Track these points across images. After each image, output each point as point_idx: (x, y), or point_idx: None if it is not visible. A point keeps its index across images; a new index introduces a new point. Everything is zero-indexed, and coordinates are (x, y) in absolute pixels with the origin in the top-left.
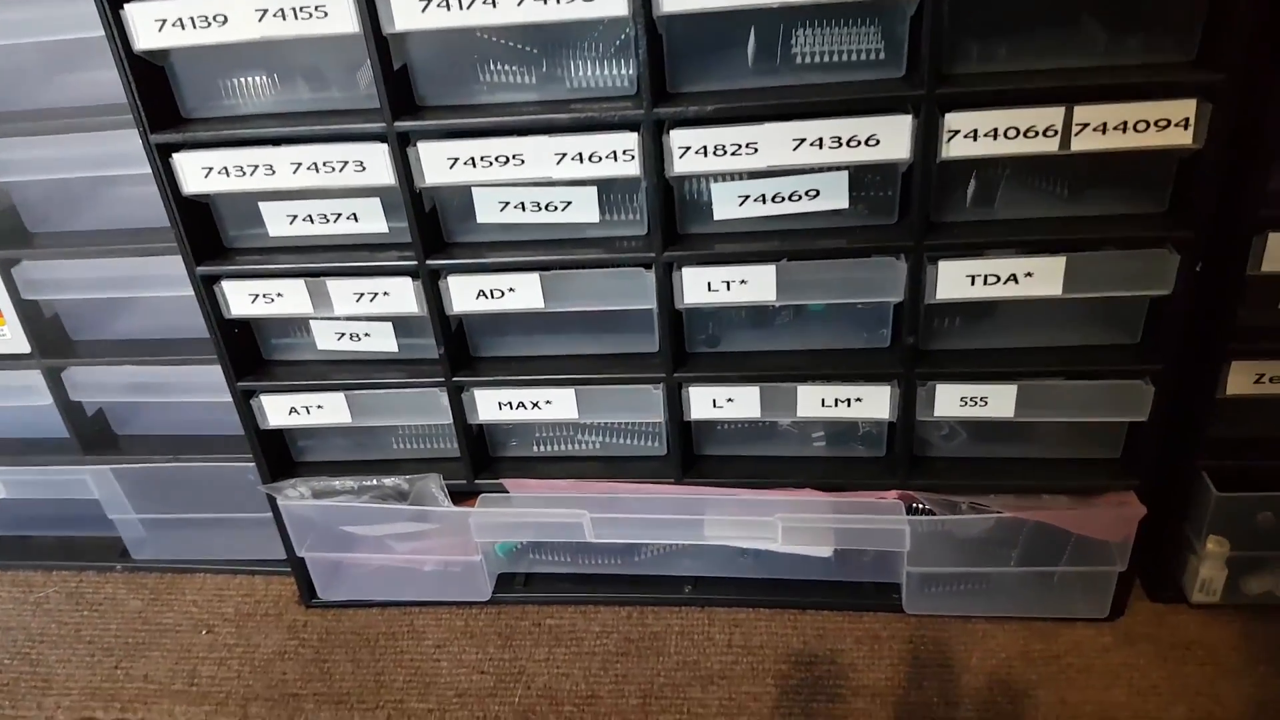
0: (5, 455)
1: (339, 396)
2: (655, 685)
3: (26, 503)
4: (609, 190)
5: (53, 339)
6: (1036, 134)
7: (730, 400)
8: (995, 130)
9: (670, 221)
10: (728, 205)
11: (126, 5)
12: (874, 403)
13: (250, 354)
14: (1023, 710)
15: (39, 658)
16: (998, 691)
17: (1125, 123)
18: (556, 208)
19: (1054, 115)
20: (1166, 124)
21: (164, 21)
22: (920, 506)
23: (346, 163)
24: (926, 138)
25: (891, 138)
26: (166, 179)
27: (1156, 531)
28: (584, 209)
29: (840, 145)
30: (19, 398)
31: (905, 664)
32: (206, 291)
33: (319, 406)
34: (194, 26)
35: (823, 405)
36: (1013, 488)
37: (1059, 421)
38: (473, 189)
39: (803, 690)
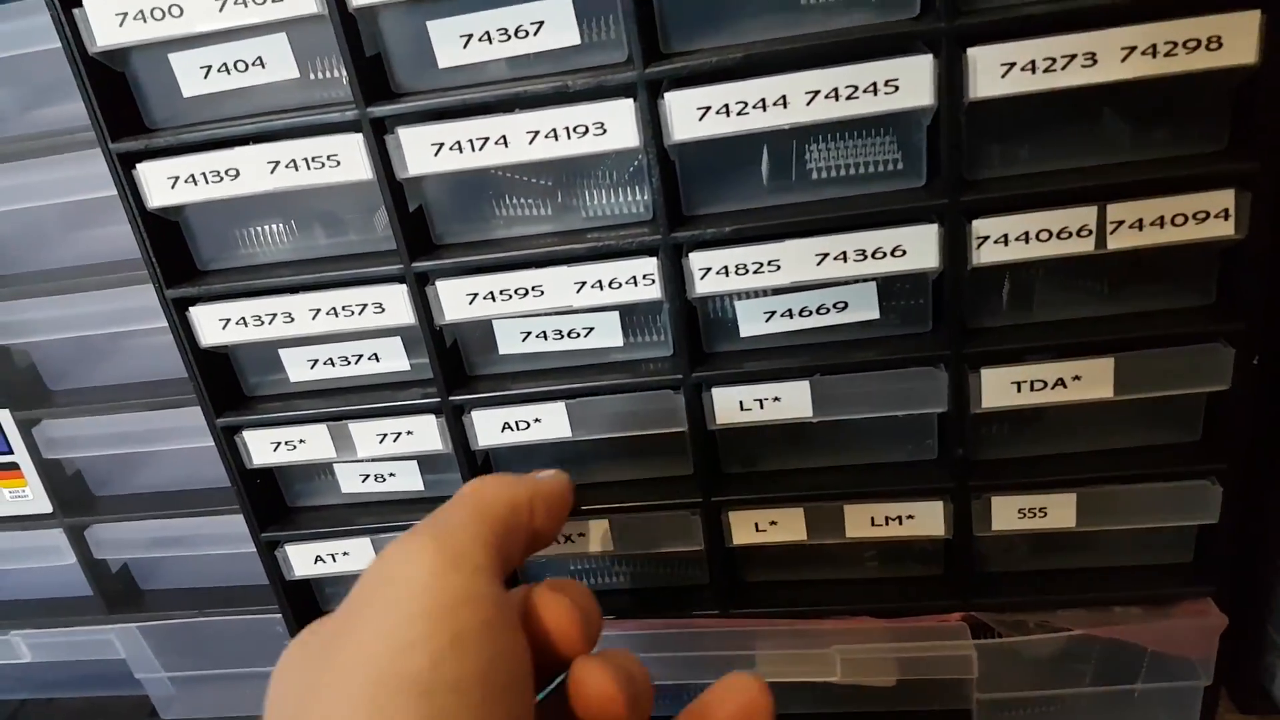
0: (29, 617)
1: (364, 541)
2: None
3: (51, 665)
4: (631, 313)
5: (75, 497)
6: (1070, 234)
7: (774, 523)
8: (1026, 234)
9: (695, 341)
10: (754, 322)
11: (139, 165)
12: (927, 520)
13: (273, 502)
14: None
15: None
16: None
17: (1162, 217)
18: (579, 334)
19: (1086, 215)
20: (1205, 216)
21: (176, 179)
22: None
23: (365, 305)
24: (955, 246)
25: (918, 248)
26: (184, 332)
27: (1239, 638)
28: (607, 334)
29: (865, 258)
30: (42, 558)
31: None
32: (227, 443)
33: (345, 554)
34: (206, 182)
35: (872, 524)
36: (1081, 601)
37: (1123, 529)
38: (494, 323)
39: None
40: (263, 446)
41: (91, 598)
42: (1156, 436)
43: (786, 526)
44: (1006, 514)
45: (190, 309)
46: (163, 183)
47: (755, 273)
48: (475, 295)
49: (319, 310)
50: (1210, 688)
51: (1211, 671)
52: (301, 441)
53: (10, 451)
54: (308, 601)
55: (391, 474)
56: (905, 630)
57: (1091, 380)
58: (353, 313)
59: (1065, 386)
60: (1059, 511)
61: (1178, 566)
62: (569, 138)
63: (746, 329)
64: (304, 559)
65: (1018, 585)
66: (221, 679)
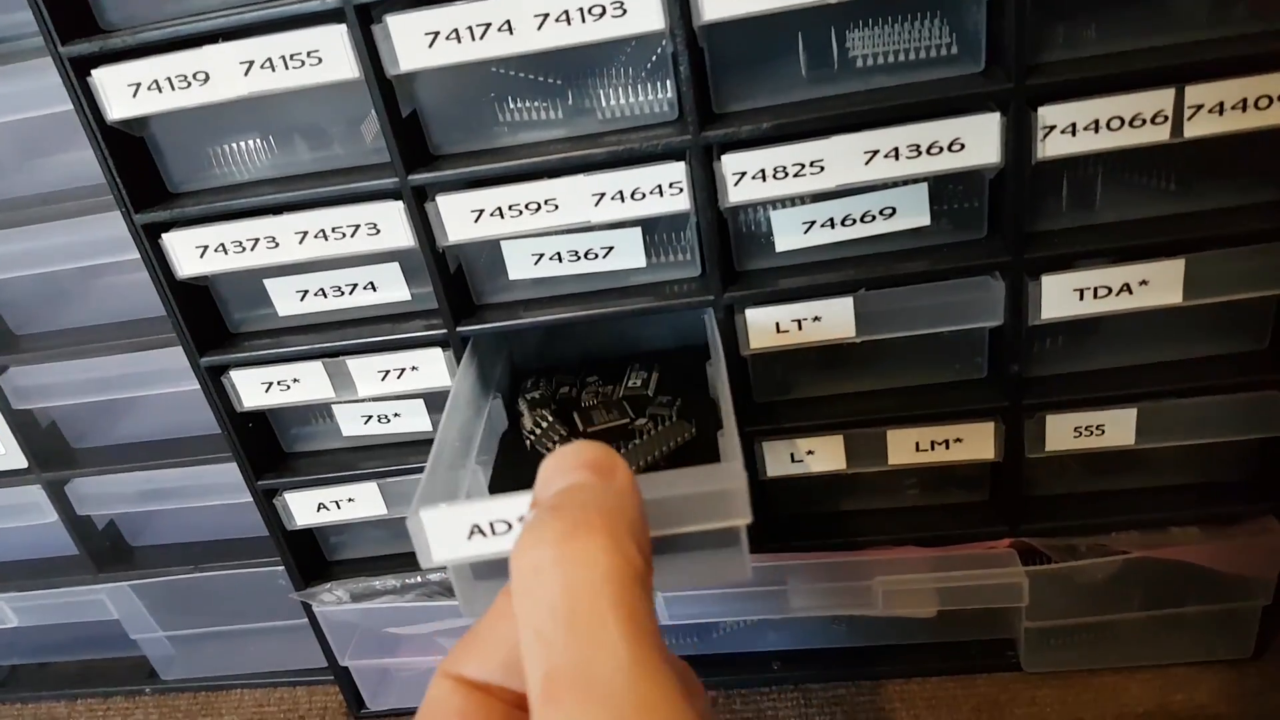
0: (13, 580)
1: (371, 486)
2: None
3: (42, 628)
4: (653, 230)
5: (52, 450)
6: (1144, 122)
7: (810, 453)
8: (1096, 122)
9: (727, 258)
10: (791, 235)
11: (94, 71)
12: (976, 442)
13: (269, 448)
14: None
15: None
16: None
17: (1245, 100)
18: (597, 255)
19: (1162, 99)
20: None
21: (138, 86)
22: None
23: (358, 226)
24: (1019, 138)
25: (978, 141)
26: (158, 263)
27: None
28: (628, 254)
29: (919, 154)
30: (21, 517)
31: None
32: (214, 384)
33: (350, 500)
34: (172, 88)
35: (917, 450)
36: (1136, 523)
37: (1182, 445)
38: (502, 243)
39: None
40: (253, 388)
41: (78, 557)
42: (1221, 346)
43: (824, 455)
44: (1062, 433)
45: (163, 236)
46: (122, 91)
47: (796, 176)
48: (481, 212)
49: (306, 233)
50: (1269, 608)
51: (1271, 590)
52: (295, 381)
53: None
54: (311, 551)
55: (396, 414)
56: (950, 559)
57: (1159, 285)
58: (344, 235)
59: (1131, 293)
60: (1117, 429)
61: (1237, 484)
62: (583, 21)
63: (783, 242)
64: (305, 507)
65: (1069, 508)
66: (223, 636)
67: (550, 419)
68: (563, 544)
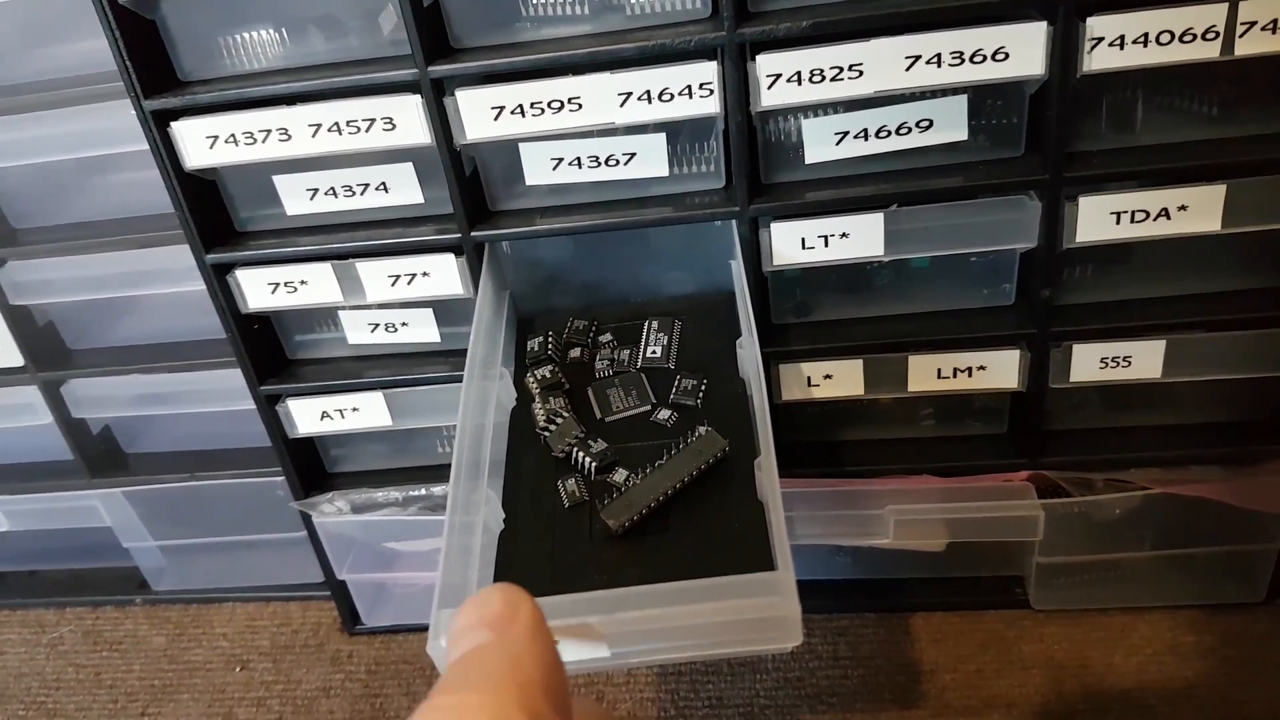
0: (4, 483)
1: (376, 396)
2: (756, 707)
3: (32, 534)
4: (676, 138)
5: (49, 349)
6: (1194, 38)
7: (828, 377)
8: (1145, 36)
9: (753, 169)
10: (822, 145)
11: None
12: (999, 371)
13: (273, 353)
14: (1182, 712)
15: (56, 706)
16: (1150, 692)
17: None
18: (618, 161)
19: (1215, 14)
20: None
21: None
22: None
23: (374, 120)
24: (1065, 49)
25: (1023, 50)
26: (166, 153)
27: None
28: (651, 161)
29: (962, 62)
30: (14, 417)
31: (1040, 667)
32: (220, 283)
33: (354, 409)
34: None
35: (938, 377)
36: (1158, 460)
37: (1205, 381)
38: (520, 145)
39: (927, 704)
40: (259, 288)
41: (72, 461)
42: (1253, 280)
43: (842, 380)
44: (1088, 363)
45: (172, 124)
46: None
47: (833, 80)
48: (501, 109)
49: (320, 126)
50: None
51: None
52: (303, 283)
53: None
54: (312, 461)
55: (404, 323)
56: (965, 490)
57: (1198, 210)
58: (358, 129)
59: (1169, 218)
60: (1144, 360)
61: (1260, 423)
62: None
63: (814, 153)
64: (308, 415)
65: (1088, 443)
66: (217, 548)
67: (565, 414)
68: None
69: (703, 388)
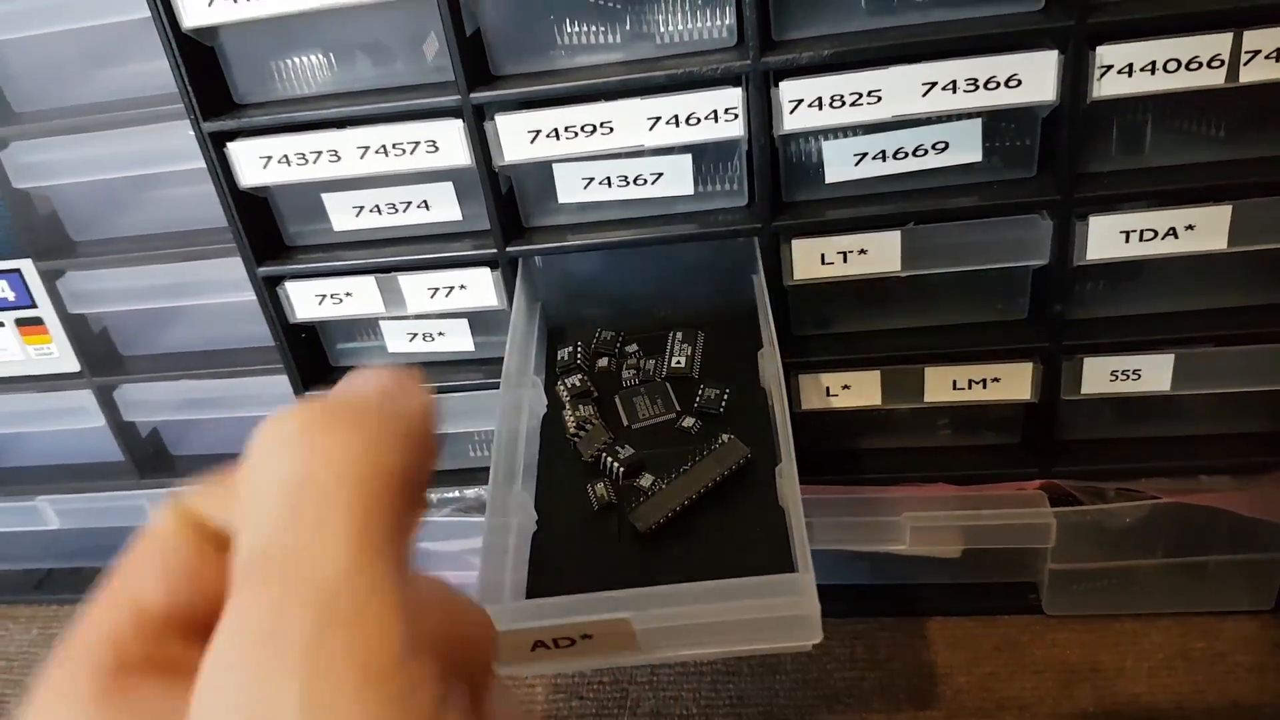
0: (56, 482)
1: None
2: (775, 706)
3: (79, 532)
4: (701, 159)
5: (103, 355)
6: (1200, 65)
7: (847, 388)
8: (1153, 64)
9: (775, 188)
10: (842, 165)
11: None
12: (1013, 382)
13: (318, 361)
14: (1192, 717)
15: None
16: (1160, 697)
17: None
18: (646, 181)
19: (1220, 43)
20: None
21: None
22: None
23: (418, 143)
24: (1075, 76)
25: (1035, 77)
26: (222, 172)
27: None
28: (677, 180)
29: (976, 88)
30: (69, 420)
31: (1052, 671)
32: (270, 294)
33: None
34: None
35: (954, 388)
36: (1168, 470)
37: (1215, 394)
38: (554, 166)
39: (942, 705)
40: (307, 299)
41: (122, 462)
42: (1261, 296)
43: (860, 391)
44: (1098, 376)
45: (229, 145)
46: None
47: (853, 105)
48: (538, 133)
49: (368, 148)
50: None
51: None
52: (348, 294)
53: (34, 305)
54: None
55: (441, 333)
56: (980, 498)
57: (1205, 230)
58: (404, 151)
59: (1176, 237)
60: (1154, 373)
61: (1270, 434)
62: None
63: (834, 173)
64: None
65: (1100, 453)
66: None
67: (594, 421)
68: (317, 429)
69: (725, 396)
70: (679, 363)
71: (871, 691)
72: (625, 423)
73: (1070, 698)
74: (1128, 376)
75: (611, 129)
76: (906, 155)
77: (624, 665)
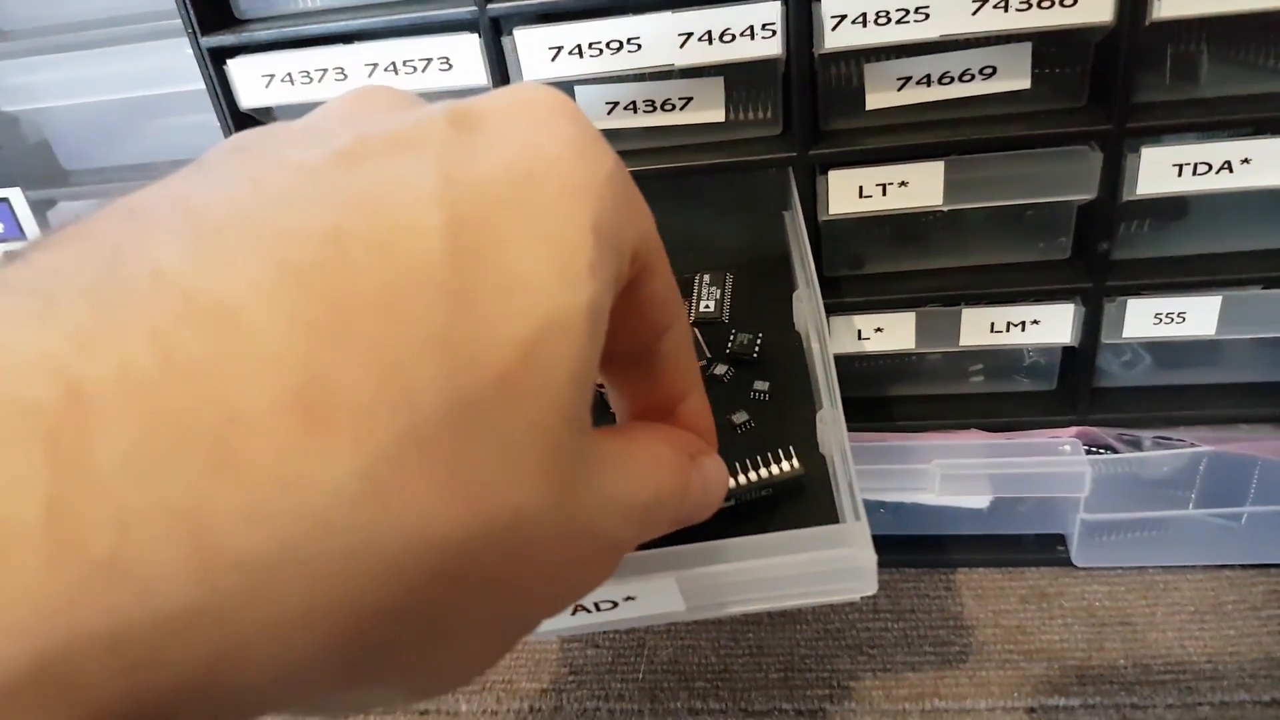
0: None
1: None
2: (796, 657)
3: None
4: (733, 83)
5: None
6: None
7: (879, 330)
8: None
9: (812, 115)
10: (884, 91)
11: None
12: (1053, 325)
13: None
14: (1225, 670)
15: None
16: (1192, 650)
17: None
18: (674, 106)
19: None
20: None
21: None
22: (1098, 446)
23: (430, 60)
24: None
25: None
26: (221, 92)
27: None
28: (708, 105)
29: (1030, 7)
30: None
31: (1081, 624)
32: None
33: None
34: None
35: (991, 331)
36: (1206, 419)
37: (1257, 339)
38: (575, 88)
39: (968, 657)
40: None
41: None
42: None
43: (893, 334)
44: (1142, 319)
45: (229, 62)
46: None
47: (899, 23)
48: (559, 49)
49: (376, 65)
50: None
51: None
52: None
53: (24, 236)
54: None
55: None
56: (1013, 445)
57: (1261, 164)
58: (415, 69)
59: (1231, 171)
60: (1199, 316)
61: None
62: None
63: (874, 99)
64: None
65: (1137, 400)
66: None
67: None
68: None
69: (759, 341)
70: (708, 306)
71: (895, 642)
72: None
73: (1100, 650)
74: (1172, 319)
75: (639, 46)
76: (952, 80)
77: (669, 624)
